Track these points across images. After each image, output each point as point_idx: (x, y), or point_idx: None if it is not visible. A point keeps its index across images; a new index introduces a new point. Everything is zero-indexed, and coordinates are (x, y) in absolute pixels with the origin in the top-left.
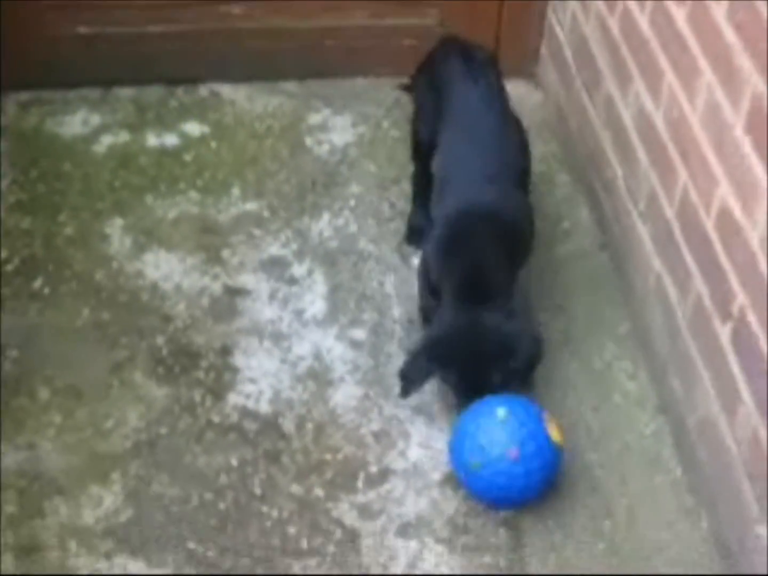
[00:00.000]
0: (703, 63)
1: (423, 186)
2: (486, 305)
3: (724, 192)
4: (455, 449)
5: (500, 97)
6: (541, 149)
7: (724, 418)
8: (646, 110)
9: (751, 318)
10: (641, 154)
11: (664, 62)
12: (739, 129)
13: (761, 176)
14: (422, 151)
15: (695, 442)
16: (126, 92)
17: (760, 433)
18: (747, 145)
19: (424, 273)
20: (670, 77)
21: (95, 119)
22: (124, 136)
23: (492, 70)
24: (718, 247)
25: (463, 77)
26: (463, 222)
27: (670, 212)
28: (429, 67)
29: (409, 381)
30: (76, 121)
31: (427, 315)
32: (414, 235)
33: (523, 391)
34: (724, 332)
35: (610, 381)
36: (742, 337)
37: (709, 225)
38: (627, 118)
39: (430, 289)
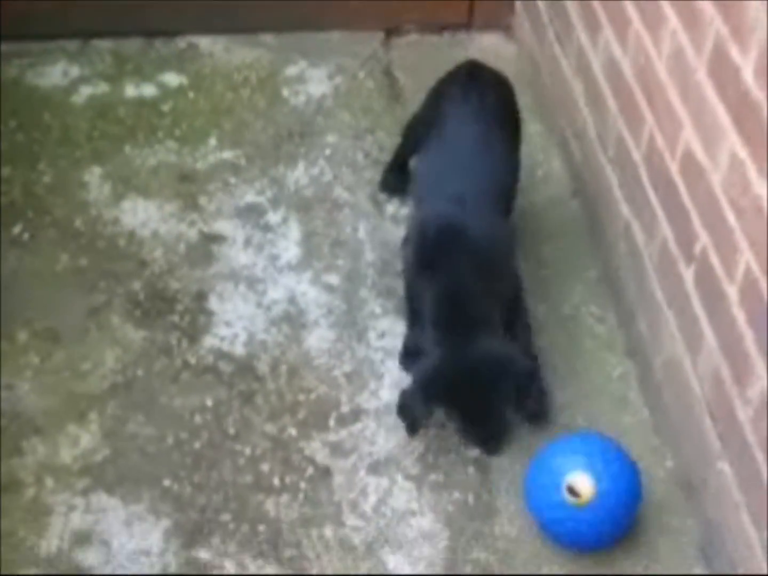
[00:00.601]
0: (668, 10)
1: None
2: (470, 332)
3: (688, 135)
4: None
5: (494, 115)
6: None
7: (688, 359)
8: (615, 58)
9: (713, 259)
10: (610, 102)
11: (631, 11)
12: (702, 73)
13: (723, 118)
14: (408, 140)
15: (661, 382)
16: (105, 44)
17: (721, 372)
18: (709, 88)
19: (408, 276)
20: (637, 25)
21: (74, 71)
22: (102, 87)
23: (494, 90)
24: (682, 189)
25: (458, 95)
26: (438, 237)
27: (637, 157)
28: (439, 83)
29: (411, 420)
30: (56, 72)
31: (415, 320)
32: (388, 184)
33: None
34: (688, 274)
35: (579, 325)
36: (704, 277)
37: (674, 168)
38: (597, 66)
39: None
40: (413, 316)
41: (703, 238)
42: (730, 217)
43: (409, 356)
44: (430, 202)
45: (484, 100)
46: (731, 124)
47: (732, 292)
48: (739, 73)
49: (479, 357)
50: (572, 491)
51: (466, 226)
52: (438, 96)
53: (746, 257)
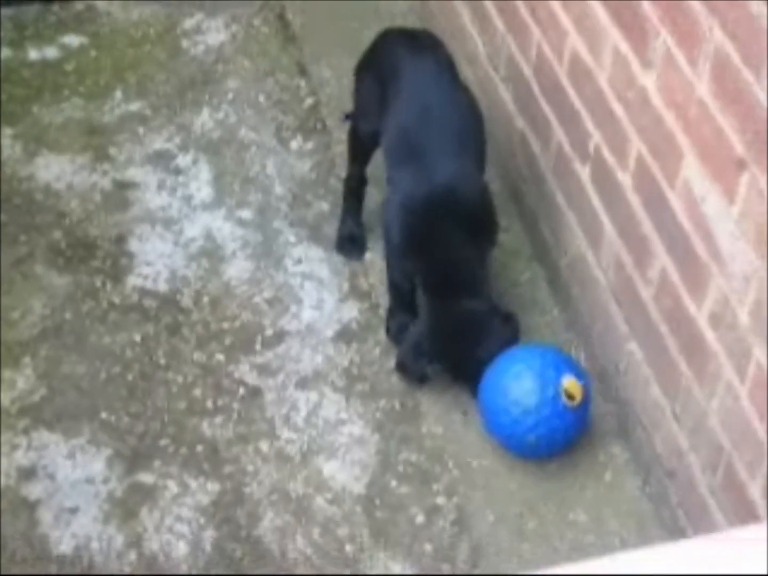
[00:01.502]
0: None
1: (356, 190)
2: (463, 295)
3: (573, 40)
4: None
5: (450, 70)
6: None
7: (591, 252)
8: None
9: (606, 153)
10: (497, 21)
11: None
12: None
13: (603, 19)
14: (362, 149)
15: (568, 280)
16: (4, 12)
17: (622, 258)
18: None
19: (391, 253)
20: None
21: None
22: (5, 53)
23: (438, 48)
24: (572, 93)
25: (409, 56)
26: (427, 207)
27: (527, 71)
28: (370, 59)
29: (408, 375)
30: None
31: (398, 296)
32: (346, 243)
33: None
34: (584, 172)
35: None
36: (599, 172)
37: (563, 73)
38: None
39: (400, 272)
40: (398, 293)
41: (596, 136)
42: (619, 111)
43: (395, 331)
44: (410, 175)
45: (434, 63)
46: (611, 23)
47: (626, 180)
48: None
49: (463, 322)
50: (569, 395)
51: (453, 191)
52: (381, 70)
53: (636, 146)
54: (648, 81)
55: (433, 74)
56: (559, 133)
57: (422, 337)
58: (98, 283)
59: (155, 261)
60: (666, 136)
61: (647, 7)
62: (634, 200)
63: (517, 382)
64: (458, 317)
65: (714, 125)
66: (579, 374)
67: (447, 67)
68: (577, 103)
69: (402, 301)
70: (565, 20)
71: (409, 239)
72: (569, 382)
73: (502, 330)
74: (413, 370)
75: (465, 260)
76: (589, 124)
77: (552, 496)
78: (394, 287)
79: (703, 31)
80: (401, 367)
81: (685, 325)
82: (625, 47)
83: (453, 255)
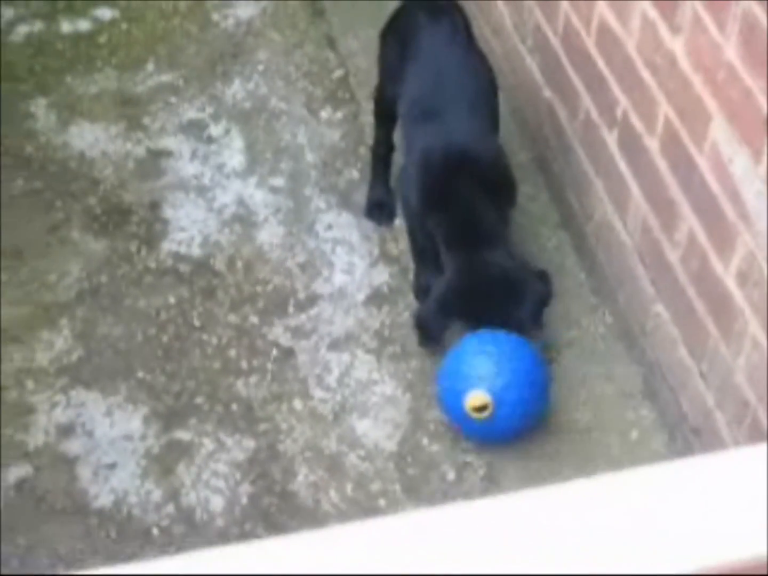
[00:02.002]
0: None
1: (383, 156)
2: (485, 248)
3: (602, 8)
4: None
5: (466, 33)
6: None
7: (618, 218)
8: None
9: (634, 119)
10: None
11: None
12: None
13: None
14: (387, 114)
15: (594, 246)
16: None
17: (649, 222)
18: None
19: (410, 215)
20: None
21: (9, 12)
22: (39, 26)
23: (456, 13)
24: (600, 61)
25: (426, 20)
26: (442, 165)
27: (555, 40)
28: (392, 25)
29: (429, 334)
30: None
31: (422, 257)
32: (375, 209)
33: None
34: (611, 138)
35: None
36: (626, 138)
37: (591, 43)
38: None
39: (421, 233)
40: (421, 254)
41: (623, 102)
42: (646, 76)
43: (423, 293)
44: (425, 135)
45: (450, 26)
46: None
47: (653, 144)
48: None
49: (493, 276)
50: (477, 409)
51: (467, 149)
52: (402, 34)
53: (664, 110)
54: (676, 45)
55: (448, 37)
56: (587, 101)
57: (448, 294)
58: (133, 248)
59: (189, 227)
60: (694, 99)
61: None
62: (662, 164)
63: (445, 396)
64: (488, 273)
65: (742, 87)
66: (507, 382)
67: (463, 30)
68: (605, 71)
69: (426, 260)
70: None
71: (427, 196)
72: (473, 399)
73: (536, 287)
74: (433, 329)
75: (483, 215)
76: (616, 91)
77: (579, 453)
78: (416, 247)
79: None
80: (420, 327)
81: (712, 284)
82: (653, 13)
83: (471, 209)
